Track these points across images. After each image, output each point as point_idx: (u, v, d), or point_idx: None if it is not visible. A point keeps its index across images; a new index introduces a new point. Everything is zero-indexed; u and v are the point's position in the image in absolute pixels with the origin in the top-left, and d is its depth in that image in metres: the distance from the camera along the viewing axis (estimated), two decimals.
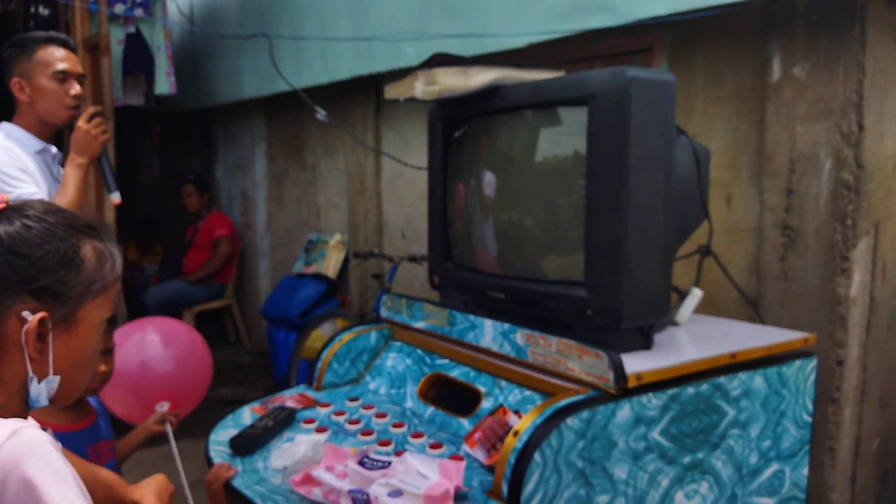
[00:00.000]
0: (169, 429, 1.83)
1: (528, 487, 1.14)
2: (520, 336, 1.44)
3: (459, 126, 1.75)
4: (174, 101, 5.60)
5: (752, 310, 2.02)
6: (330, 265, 4.58)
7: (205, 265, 5.18)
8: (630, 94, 1.29)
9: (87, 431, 1.58)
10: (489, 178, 1.63)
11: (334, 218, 4.79)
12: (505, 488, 1.15)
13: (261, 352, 5.52)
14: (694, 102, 2.56)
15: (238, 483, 1.27)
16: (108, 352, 1.57)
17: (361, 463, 1.19)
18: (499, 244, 1.64)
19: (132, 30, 4.82)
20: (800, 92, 2.22)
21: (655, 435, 1.30)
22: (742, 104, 2.42)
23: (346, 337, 1.80)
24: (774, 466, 1.52)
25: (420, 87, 1.57)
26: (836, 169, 2.16)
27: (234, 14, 5.13)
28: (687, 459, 1.36)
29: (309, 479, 1.16)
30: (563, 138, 1.46)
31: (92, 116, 2.08)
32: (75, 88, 2.12)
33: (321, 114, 3.39)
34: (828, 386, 2.24)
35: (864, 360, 2.32)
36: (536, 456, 1.14)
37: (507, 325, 1.47)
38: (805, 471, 1.60)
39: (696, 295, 1.68)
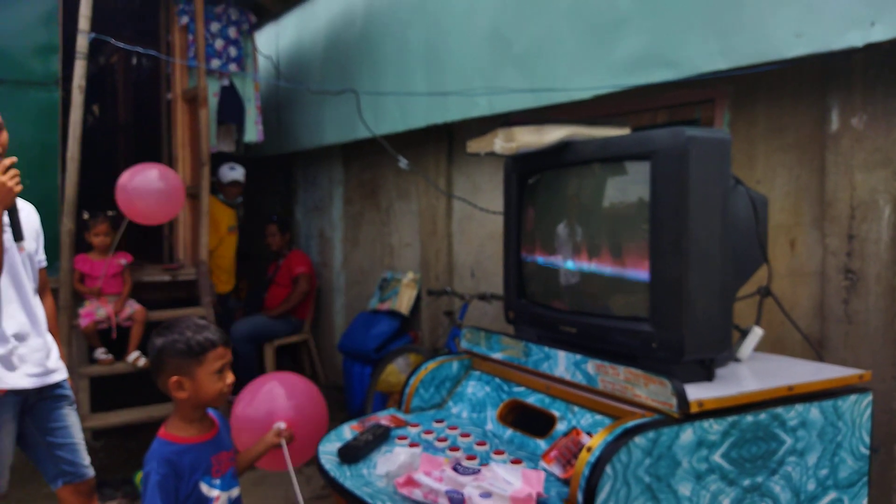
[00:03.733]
0: (284, 443, 2.05)
1: (601, 497, 1.29)
2: (591, 366, 1.60)
3: (533, 176, 1.95)
4: (260, 147, 6.04)
5: (813, 348, 2.11)
6: (403, 302, 4.81)
7: (285, 301, 5.48)
8: (688, 150, 1.46)
9: (211, 442, 1.81)
10: (562, 224, 1.82)
11: (407, 257, 5.04)
12: (580, 497, 1.31)
13: (335, 385, 5.78)
14: (756, 151, 2.68)
15: (349, 484, 1.47)
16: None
17: (455, 469, 1.38)
18: (572, 282, 1.82)
19: (226, 83, 5.27)
20: (858, 142, 2.33)
21: (717, 458, 1.44)
22: (803, 153, 2.53)
23: (431, 365, 1.99)
24: (832, 495, 1.62)
25: (499, 144, 1.78)
26: (895, 215, 2.25)
27: (318, 67, 5.53)
28: (747, 482, 1.48)
29: (411, 482, 1.35)
30: (629, 188, 1.64)
31: (8, 168, 2.06)
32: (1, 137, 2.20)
33: (403, 162, 3.66)
34: (893, 426, 2.29)
35: None
36: (608, 469, 1.30)
37: (578, 356, 1.64)
38: (864, 502, 1.68)
39: (756, 333, 1.81)
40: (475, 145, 1.89)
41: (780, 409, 1.51)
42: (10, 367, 2.22)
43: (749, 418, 1.47)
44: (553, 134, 1.72)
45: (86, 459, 2.50)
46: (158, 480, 1.71)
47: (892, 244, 2.25)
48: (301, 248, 6.38)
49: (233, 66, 5.34)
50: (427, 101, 4.16)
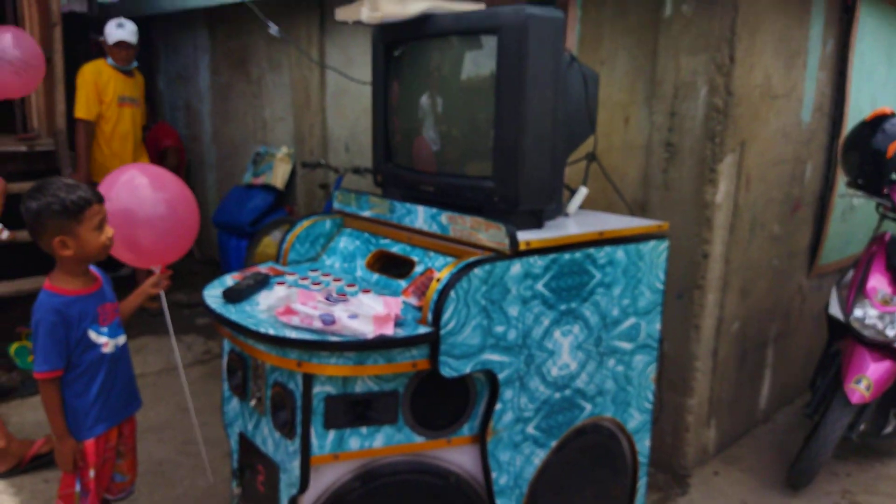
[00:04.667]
0: (162, 293, 2.19)
1: (446, 315, 1.59)
2: (444, 217, 1.86)
3: (398, 47, 2.10)
4: (115, 8, 5.63)
5: (626, 206, 2.49)
6: (278, 176, 4.87)
7: None
8: (528, 26, 1.68)
9: (96, 294, 1.94)
10: (424, 93, 2.01)
11: (280, 132, 5.04)
12: (430, 316, 1.60)
13: (210, 259, 5.83)
14: (603, 32, 2.93)
15: (234, 317, 1.68)
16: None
17: (327, 299, 1.62)
18: (433, 147, 2.04)
19: None
20: (686, 27, 2.63)
21: (539, 287, 1.77)
22: (641, 36, 2.81)
23: (306, 223, 2.19)
24: (632, 320, 2.03)
25: (365, 13, 1.91)
26: (709, 95, 2.61)
27: None
28: (563, 307, 1.84)
29: (289, 311, 1.58)
30: (483, 61, 1.85)
31: None
32: None
33: (274, 29, 3.63)
34: (695, 275, 2.77)
35: (727, 255, 2.85)
36: (451, 294, 1.59)
37: (434, 210, 1.89)
38: (657, 325, 2.11)
39: (582, 192, 2.13)
40: (343, 13, 2.00)
41: (592, 250, 1.86)
42: None
43: (566, 256, 1.81)
44: (415, 6, 1.88)
45: None
46: (49, 328, 1.84)
47: (705, 121, 2.63)
48: (166, 121, 6.15)
49: None
50: None
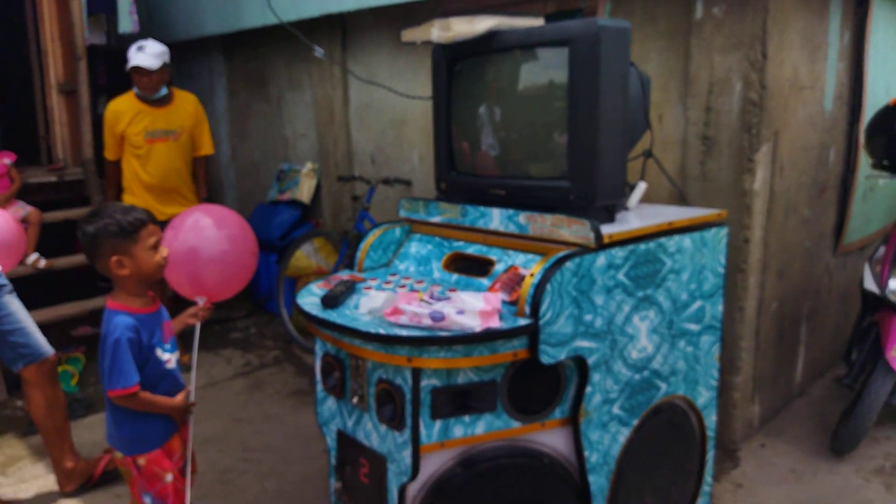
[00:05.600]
0: (198, 324, 2.25)
1: (544, 306, 1.72)
2: (522, 217, 1.99)
3: (460, 62, 2.23)
4: (134, 38, 5.74)
5: (682, 197, 2.63)
6: (304, 191, 5.00)
7: None
8: (600, 37, 1.82)
9: (158, 313, 2.06)
10: (493, 103, 2.15)
11: (303, 148, 5.16)
12: (528, 309, 1.73)
13: None
14: (633, 38, 3.08)
15: (340, 321, 1.80)
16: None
17: (431, 297, 1.74)
18: (499, 153, 2.17)
19: None
20: (717, 28, 2.78)
21: (620, 276, 1.90)
22: (672, 39, 2.97)
23: (378, 231, 2.31)
24: (699, 303, 2.16)
25: (436, 33, 2.04)
26: (744, 90, 2.76)
27: None
28: (641, 294, 1.97)
29: (397, 311, 1.70)
30: (552, 71, 1.98)
31: None
32: None
33: (319, 51, 3.77)
34: (737, 259, 2.91)
35: (765, 239, 3.00)
36: (548, 287, 1.72)
37: (511, 211, 2.02)
38: (720, 307, 2.25)
39: (641, 186, 2.27)
40: (410, 35, 2.13)
41: (663, 239, 2.00)
42: None
43: (642, 246, 1.94)
44: (482, 24, 2.01)
45: (40, 340, 2.64)
46: (129, 343, 1.90)
47: (741, 114, 2.77)
48: None
49: None
50: None
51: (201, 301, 2.27)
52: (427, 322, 1.67)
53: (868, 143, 3.16)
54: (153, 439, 2.03)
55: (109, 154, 4.05)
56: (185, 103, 4.06)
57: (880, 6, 3.33)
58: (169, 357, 2.05)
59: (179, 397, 2.05)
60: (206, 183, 4.30)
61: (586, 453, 1.92)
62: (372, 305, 1.78)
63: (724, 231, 2.18)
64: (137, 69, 3.77)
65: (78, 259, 4.40)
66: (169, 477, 2.06)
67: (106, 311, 1.98)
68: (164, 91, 3.95)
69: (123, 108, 3.91)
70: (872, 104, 3.38)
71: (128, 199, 4.02)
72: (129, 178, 4.02)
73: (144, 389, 1.96)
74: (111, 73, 6.76)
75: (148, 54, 3.76)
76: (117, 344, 1.90)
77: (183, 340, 2.90)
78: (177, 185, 4.07)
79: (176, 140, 4.00)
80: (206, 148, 4.22)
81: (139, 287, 1.99)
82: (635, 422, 2.05)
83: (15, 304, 2.58)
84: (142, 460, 2.03)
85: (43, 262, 4.14)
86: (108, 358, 1.91)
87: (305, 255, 4.71)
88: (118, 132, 3.92)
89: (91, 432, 3.43)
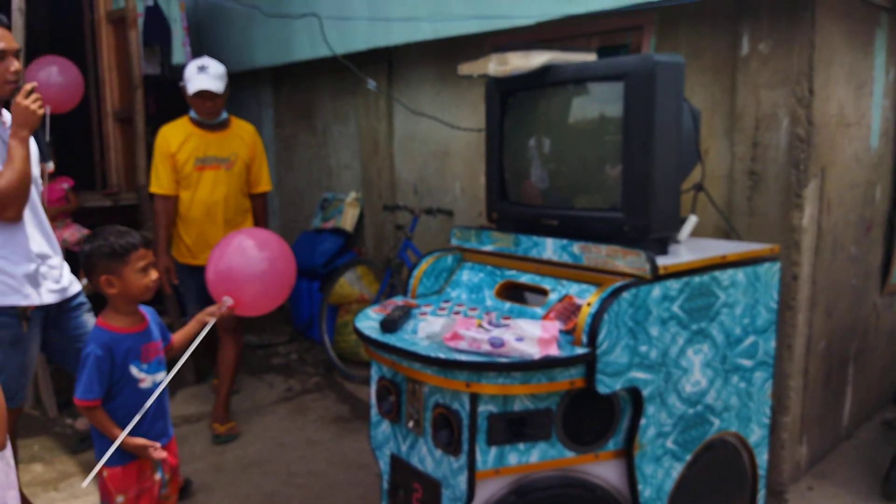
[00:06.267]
0: (211, 320, 2.27)
1: (601, 335, 1.74)
2: (576, 247, 2.03)
3: (513, 95, 2.29)
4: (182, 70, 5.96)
5: (733, 231, 2.64)
6: (347, 220, 5.09)
7: None
8: (656, 72, 1.86)
9: (142, 333, 2.14)
10: (545, 135, 2.20)
11: (346, 178, 5.28)
12: (585, 338, 1.75)
13: None
14: None
15: (401, 344, 1.84)
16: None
17: (490, 323, 1.78)
18: (550, 183, 2.21)
19: (151, 3, 5.17)
20: (763, 64, 2.81)
21: (675, 308, 1.92)
22: (717, 74, 3.00)
23: (431, 259, 2.36)
24: (752, 338, 2.16)
25: (493, 67, 2.11)
26: (791, 125, 2.78)
27: None
28: (695, 327, 1.98)
29: (456, 336, 1.74)
30: (607, 105, 2.03)
31: (29, 92, 2.22)
32: (14, 65, 2.28)
33: (372, 84, 3.88)
34: (786, 296, 2.89)
35: (813, 276, 2.98)
36: (605, 317, 1.74)
37: (564, 241, 2.06)
38: (773, 343, 2.24)
39: (692, 220, 2.29)
40: (467, 68, 2.20)
41: (717, 273, 2.01)
42: (36, 284, 2.39)
43: (697, 279, 1.96)
44: (538, 58, 2.07)
45: None
46: (97, 360, 2.02)
47: (789, 149, 2.78)
48: None
49: None
50: (367, 24, 4.33)
51: (228, 302, 2.32)
52: (486, 348, 1.70)
53: None
54: (115, 456, 2.07)
55: (159, 187, 3.59)
56: (242, 131, 3.71)
57: None
58: (145, 377, 2.13)
59: (139, 441, 2.07)
60: (265, 223, 3.87)
61: (640, 486, 1.92)
62: (431, 330, 1.82)
63: (776, 266, 2.18)
64: (204, 93, 3.45)
65: None
66: (120, 499, 2.10)
67: (93, 327, 2.13)
68: (224, 115, 3.65)
69: (175, 131, 3.59)
70: None
71: (174, 244, 3.73)
72: (179, 213, 3.66)
73: (118, 406, 2.06)
74: (162, 103, 7.03)
75: (212, 76, 3.44)
76: (87, 357, 2.04)
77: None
78: (230, 218, 3.64)
79: (228, 169, 3.61)
80: (265, 183, 3.81)
81: (127, 306, 2.11)
82: (688, 457, 2.04)
83: (93, 321, 2.68)
84: (105, 472, 2.10)
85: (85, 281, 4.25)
86: (81, 368, 2.05)
87: (348, 283, 4.78)
88: (169, 154, 3.54)
89: None
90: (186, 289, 3.83)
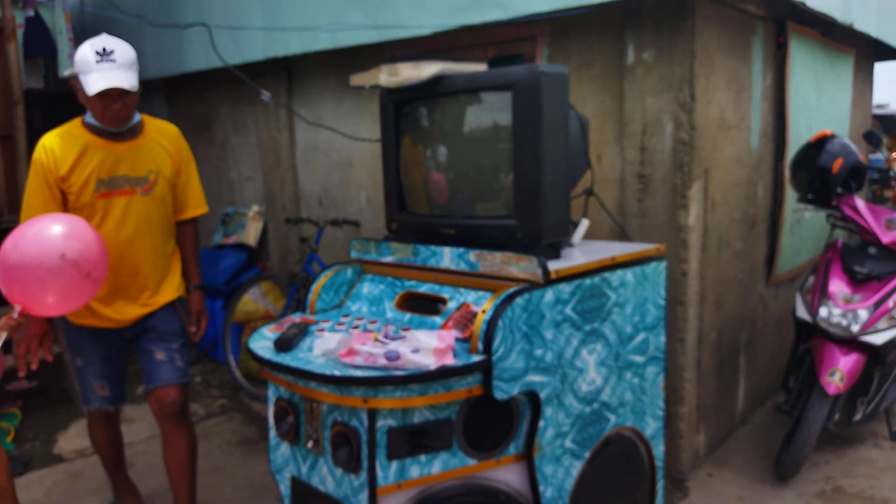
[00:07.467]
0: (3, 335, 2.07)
1: (496, 342, 1.76)
2: (472, 255, 2.04)
3: (407, 105, 2.30)
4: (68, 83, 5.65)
5: (623, 233, 2.73)
6: (250, 234, 4.95)
7: None
8: (541, 82, 1.90)
9: None
10: (440, 145, 2.21)
11: (248, 191, 5.13)
12: (480, 345, 1.76)
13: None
14: (570, 81, 3.21)
15: (294, 364, 1.79)
16: None
17: (385, 336, 1.76)
18: (447, 193, 2.22)
19: (31, 13, 4.88)
20: (648, 72, 2.94)
21: (568, 310, 1.96)
22: (606, 82, 3.11)
23: (329, 273, 2.32)
24: (643, 335, 2.24)
25: (384, 77, 2.10)
26: (675, 130, 2.91)
27: None
28: (588, 327, 2.03)
29: (352, 352, 1.71)
30: (496, 114, 2.06)
31: None
32: None
33: (266, 95, 3.78)
34: (676, 292, 3.02)
35: (701, 272, 3.13)
36: (499, 323, 1.76)
37: (461, 249, 2.07)
38: (662, 338, 2.33)
39: (584, 224, 2.36)
40: (359, 79, 2.19)
41: (607, 274, 2.07)
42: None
43: (588, 281, 2.01)
44: (429, 69, 2.08)
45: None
46: None
47: (673, 153, 2.92)
48: None
49: None
50: (264, 34, 4.24)
51: (18, 308, 2.11)
52: (382, 362, 1.68)
53: (793, 178, 3.35)
54: None
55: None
56: (162, 137, 2.64)
57: (798, 49, 3.57)
58: None
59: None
60: (197, 260, 2.85)
61: (541, 488, 1.95)
62: (326, 347, 1.79)
63: (663, 265, 2.28)
64: (109, 92, 2.33)
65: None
66: None
67: None
68: (136, 118, 2.58)
69: (64, 143, 2.43)
70: (796, 141, 3.60)
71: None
72: None
73: None
74: (48, 118, 6.63)
75: (120, 65, 2.33)
76: None
77: None
78: (150, 260, 2.61)
79: (146, 192, 2.55)
80: (195, 205, 2.79)
81: None
82: (587, 454, 2.09)
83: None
84: None
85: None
86: None
87: (253, 300, 4.65)
88: (57, 177, 2.41)
89: (28, 491, 3.26)
90: (86, 361, 2.67)
